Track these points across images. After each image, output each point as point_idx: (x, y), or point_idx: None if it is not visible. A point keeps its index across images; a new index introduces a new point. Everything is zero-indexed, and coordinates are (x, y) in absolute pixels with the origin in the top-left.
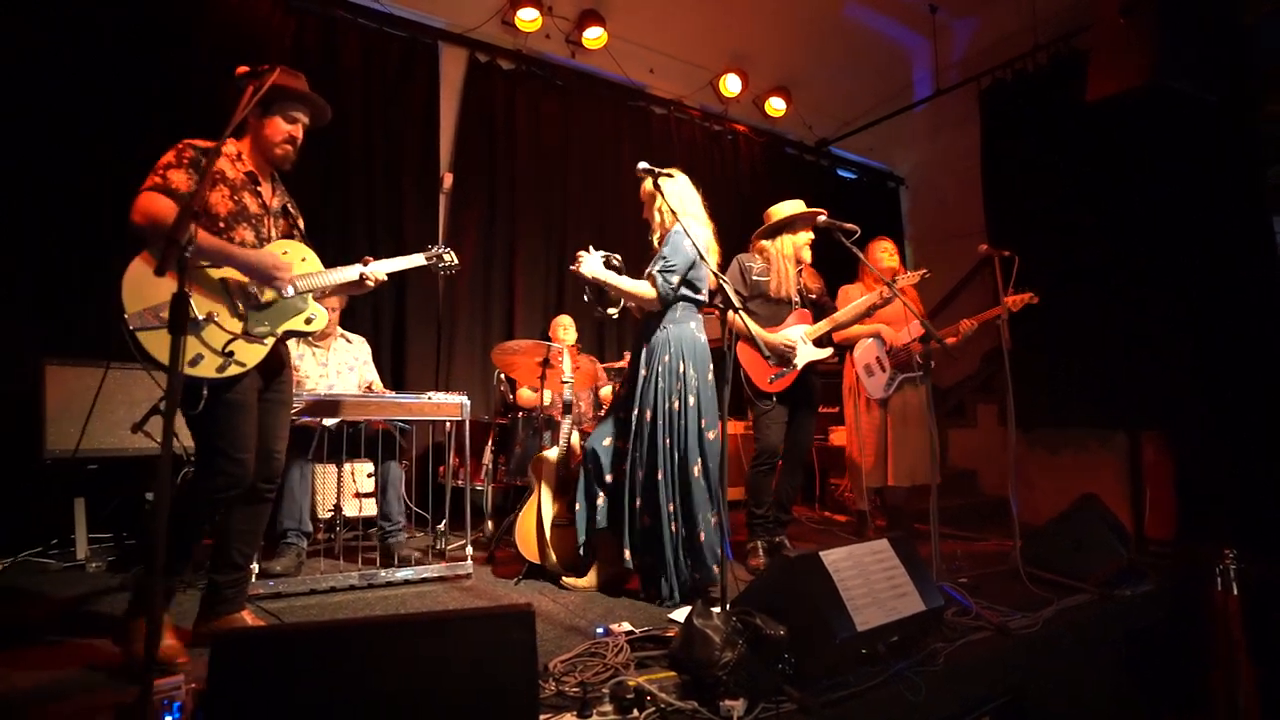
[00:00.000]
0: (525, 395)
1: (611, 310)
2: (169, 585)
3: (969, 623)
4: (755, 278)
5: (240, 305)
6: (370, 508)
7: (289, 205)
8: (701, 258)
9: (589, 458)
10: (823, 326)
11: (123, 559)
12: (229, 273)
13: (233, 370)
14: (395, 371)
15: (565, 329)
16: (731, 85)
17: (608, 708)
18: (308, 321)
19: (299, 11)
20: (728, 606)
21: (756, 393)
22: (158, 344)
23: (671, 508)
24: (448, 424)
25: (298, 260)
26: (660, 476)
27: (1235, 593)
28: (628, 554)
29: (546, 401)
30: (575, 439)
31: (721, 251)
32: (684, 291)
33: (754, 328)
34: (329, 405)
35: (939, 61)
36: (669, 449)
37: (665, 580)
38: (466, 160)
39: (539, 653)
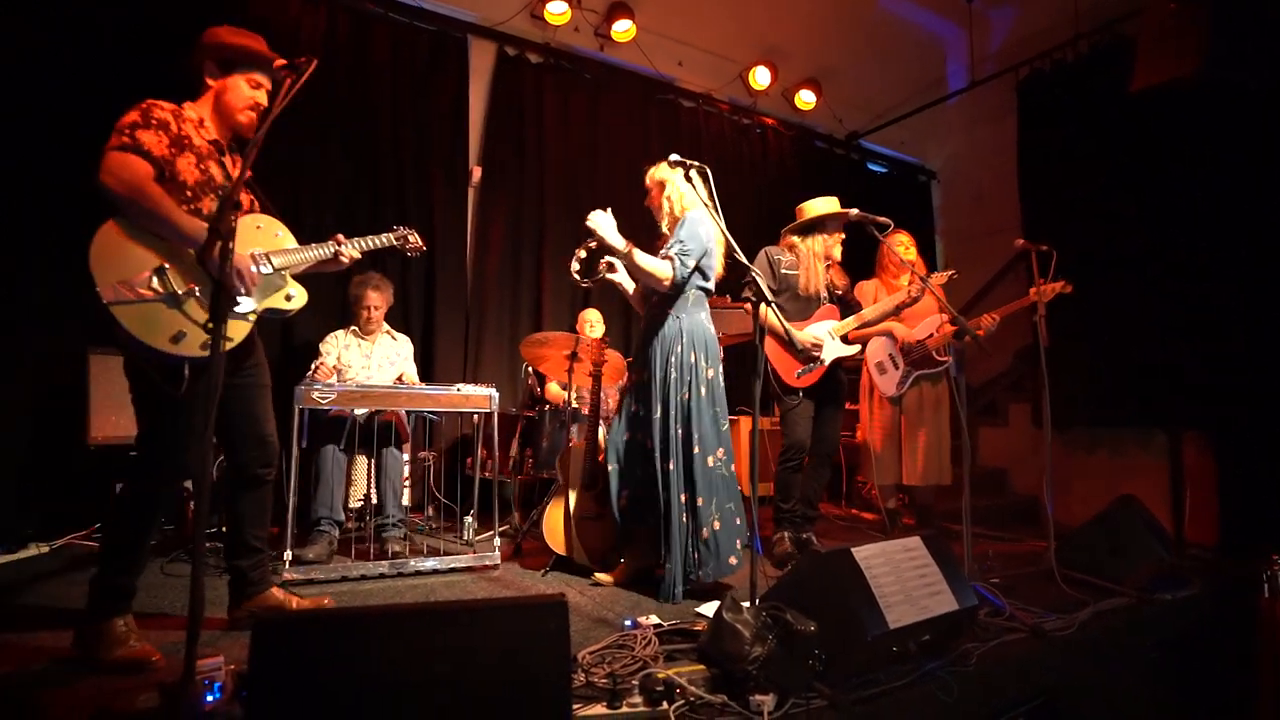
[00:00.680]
0: (554, 390)
1: (587, 282)
2: (130, 584)
3: (1002, 623)
4: (784, 271)
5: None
6: (406, 498)
7: (250, 178)
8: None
9: (611, 455)
10: (850, 323)
11: (162, 543)
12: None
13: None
14: (424, 363)
15: (592, 325)
16: (761, 78)
17: (637, 699)
18: (288, 299)
19: (329, 6)
20: (757, 601)
21: (783, 388)
22: (135, 320)
23: (684, 498)
24: (476, 416)
25: (271, 236)
26: (671, 467)
27: None
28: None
29: (574, 395)
30: (602, 434)
31: (748, 247)
32: (696, 279)
33: (782, 323)
34: (360, 395)
35: (975, 53)
36: (681, 440)
37: (669, 574)
38: (495, 154)
39: None
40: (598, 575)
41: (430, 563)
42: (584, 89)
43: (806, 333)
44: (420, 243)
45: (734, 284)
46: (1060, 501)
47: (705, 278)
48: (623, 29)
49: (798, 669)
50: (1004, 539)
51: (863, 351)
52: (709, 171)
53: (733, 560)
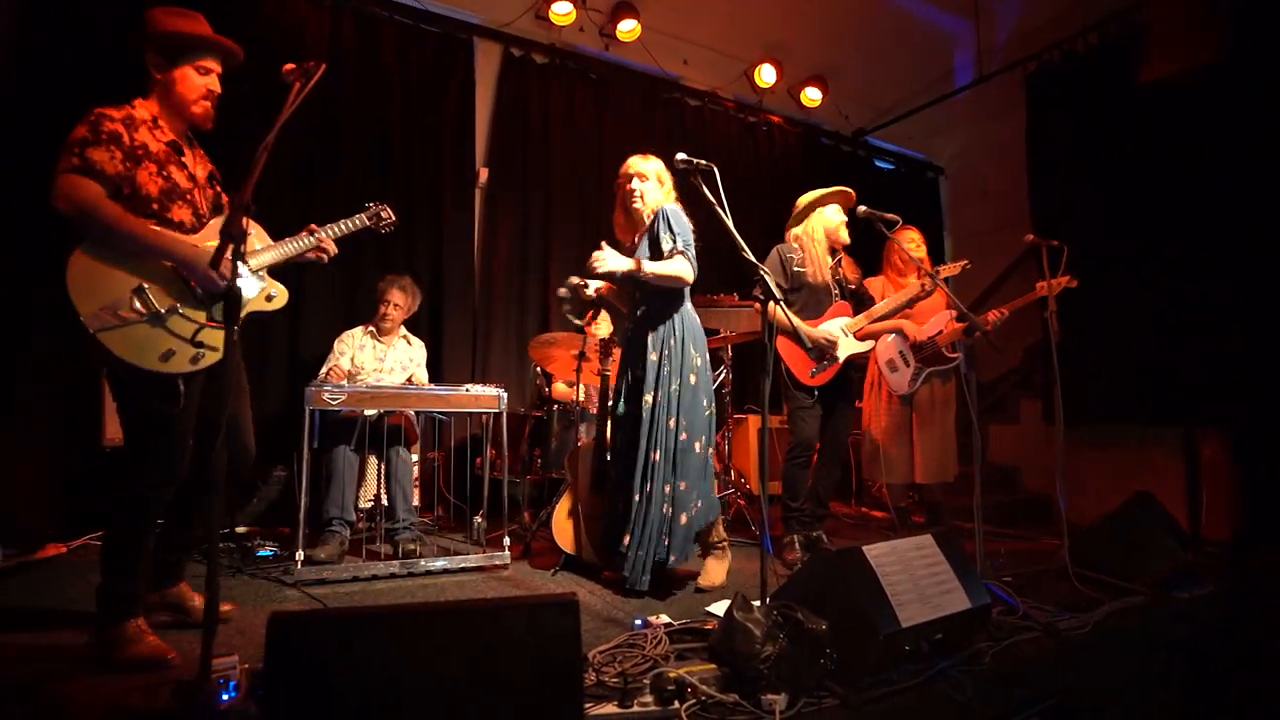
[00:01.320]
0: (560, 389)
1: (579, 321)
2: (134, 589)
3: (1016, 622)
4: (795, 269)
5: (199, 292)
6: (415, 499)
7: (214, 172)
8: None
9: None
10: (862, 320)
11: None
12: None
13: (207, 360)
14: (432, 364)
15: (598, 323)
16: (766, 75)
17: (648, 698)
18: (268, 299)
19: (335, 9)
20: (768, 600)
21: (796, 385)
22: (127, 344)
23: (668, 489)
24: (484, 416)
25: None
26: (656, 458)
27: None
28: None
29: (582, 395)
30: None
31: (755, 245)
32: None
33: (795, 320)
34: (370, 396)
35: (982, 46)
36: (673, 429)
37: (636, 562)
38: (502, 154)
39: None
40: (607, 574)
41: (440, 563)
42: (589, 89)
43: (821, 330)
44: (393, 217)
45: (742, 282)
46: (1072, 499)
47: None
48: (628, 28)
49: (809, 668)
50: (1015, 537)
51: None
52: (715, 171)
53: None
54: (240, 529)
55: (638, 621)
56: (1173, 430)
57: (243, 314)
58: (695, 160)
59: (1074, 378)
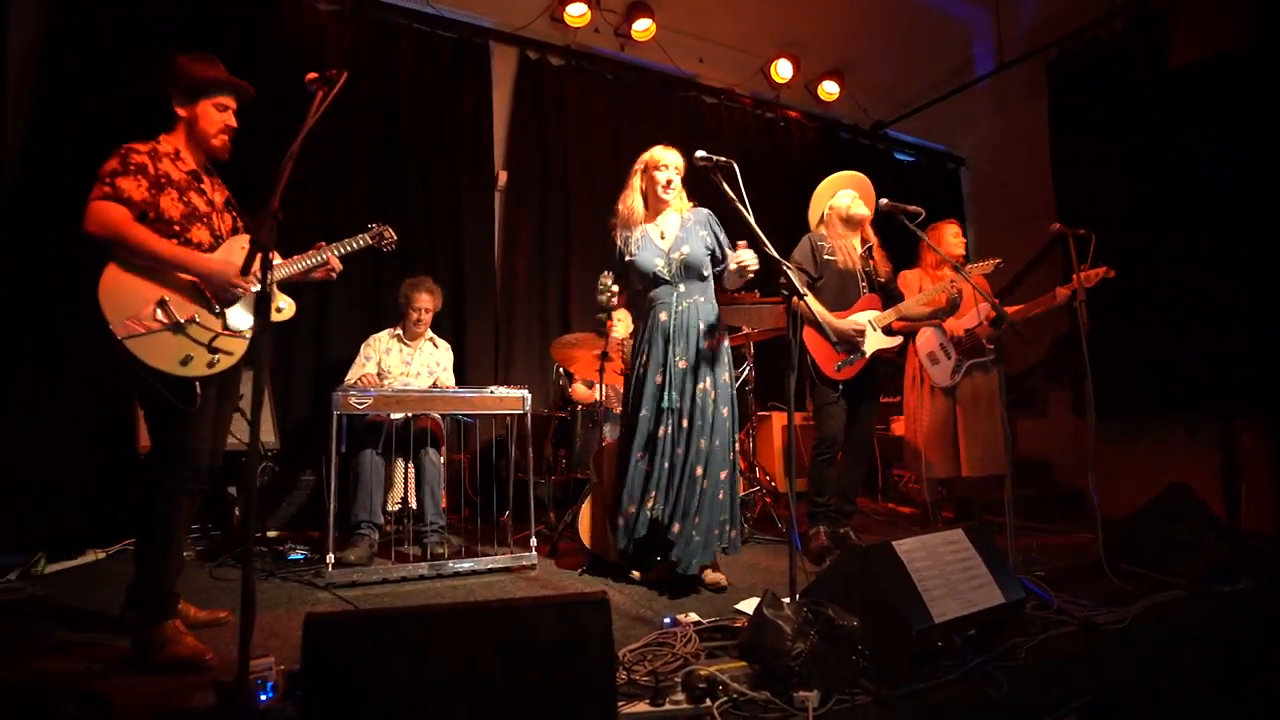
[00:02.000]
0: (579, 390)
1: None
2: (166, 589)
3: (1051, 617)
4: (826, 256)
5: (215, 303)
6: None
7: (230, 198)
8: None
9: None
10: (890, 315)
11: (210, 549)
12: None
13: (222, 365)
14: (456, 366)
15: (615, 323)
16: (783, 71)
17: (680, 696)
18: (278, 311)
19: (354, 18)
20: (797, 597)
21: (823, 379)
22: (150, 350)
23: (724, 475)
24: (509, 418)
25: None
26: (717, 444)
27: None
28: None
29: (601, 395)
30: None
31: (776, 241)
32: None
33: (823, 314)
34: (396, 399)
35: (1002, 35)
36: (727, 417)
37: (693, 547)
38: (520, 157)
39: None
40: (634, 574)
41: (468, 564)
42: (606, 89)
43: (848, 321)
44: (394, 237)
45: (763, 280)
46: (1107, 491)
47: None
48: (643, 28)
49: (841, 665)
50: (1048, 531)
51: (904, 344)
52: (735, 167)
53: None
54: (271, 533)
55: (667, 620)
56: (1208, 421)
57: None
58: (715, 157)
59: (1105, 369)
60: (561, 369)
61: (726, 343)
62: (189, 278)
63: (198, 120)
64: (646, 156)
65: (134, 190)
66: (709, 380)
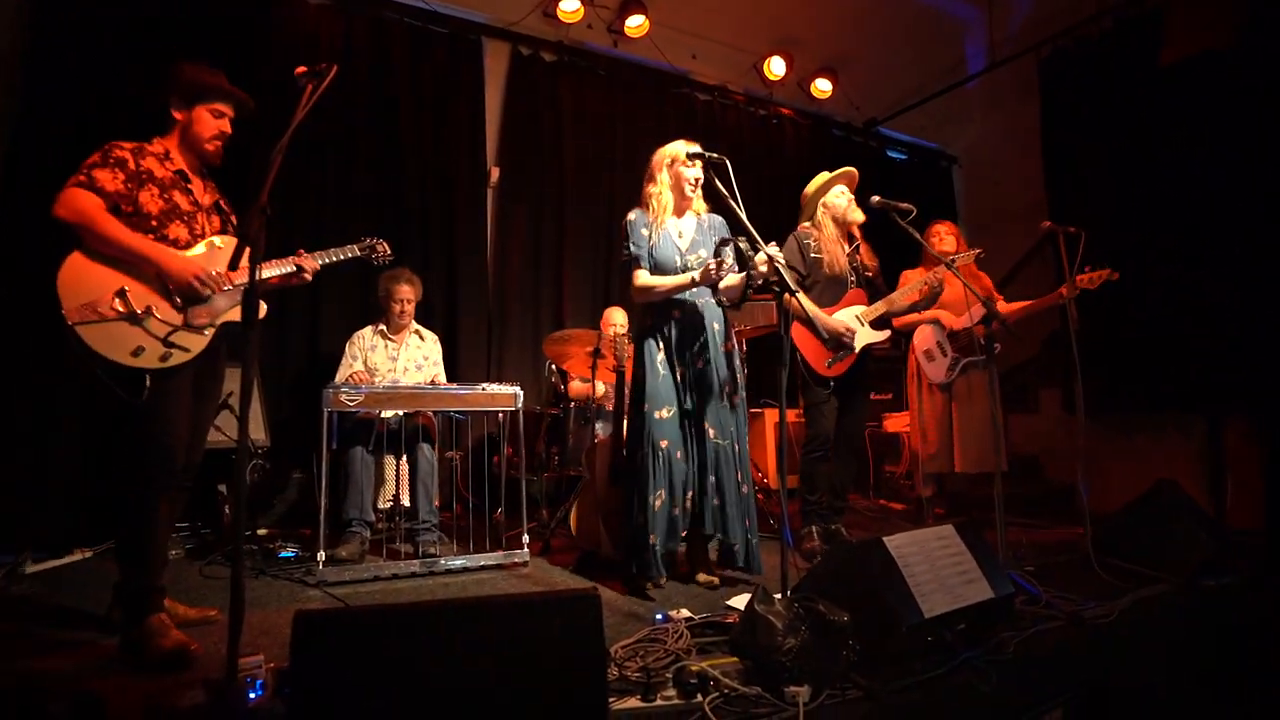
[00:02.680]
0: (576, 386)
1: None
2: (151, 585)
3: (1040, 611)
4: (814, 255)
5: (178, 298)
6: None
7: (221, 202)
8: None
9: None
10: (878, 309)
11: (200, 547)
12: None
13: (176, 359)
14: (448, 363)
15: (616, 325)
16: (776, 68)
17: (671, 692)
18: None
19: (346, 12)
20: (789, 592)
21: (814, 377)
22: (102, 338)
23: (739, 475)
24: (501, 415)
25: (226, 255)
26: (738, 449)
27: None
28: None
29: (599, 392)
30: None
31: (768, 238)
32: None
33: (814, 311)
34: (387, 397)
35: (994, 33)
36: (738, 410)
37: (739, 550)
38: (512, 154)
39: None
40: (661, 583)
41: (460, 561)
42: (599, 86)
43: (837, 319)
44: (388, 250)
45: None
46: (1096, 488)
47: None
48: (636, 24)
49: (832, 660)
50: (1037, 527)
51: (893, 340)
52: (728, 163)
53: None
54: (261, 531)
55: (659, 616)
56: (1197, 419)
57: (219, 323)
58: (709, 154)
59: (1095, 366)
60: (554, 365)
61: (735, 345)
62: (152, 270)
63: (192, 124)
64: (673, 152)
65: (108, 182)
66: (730, 383)
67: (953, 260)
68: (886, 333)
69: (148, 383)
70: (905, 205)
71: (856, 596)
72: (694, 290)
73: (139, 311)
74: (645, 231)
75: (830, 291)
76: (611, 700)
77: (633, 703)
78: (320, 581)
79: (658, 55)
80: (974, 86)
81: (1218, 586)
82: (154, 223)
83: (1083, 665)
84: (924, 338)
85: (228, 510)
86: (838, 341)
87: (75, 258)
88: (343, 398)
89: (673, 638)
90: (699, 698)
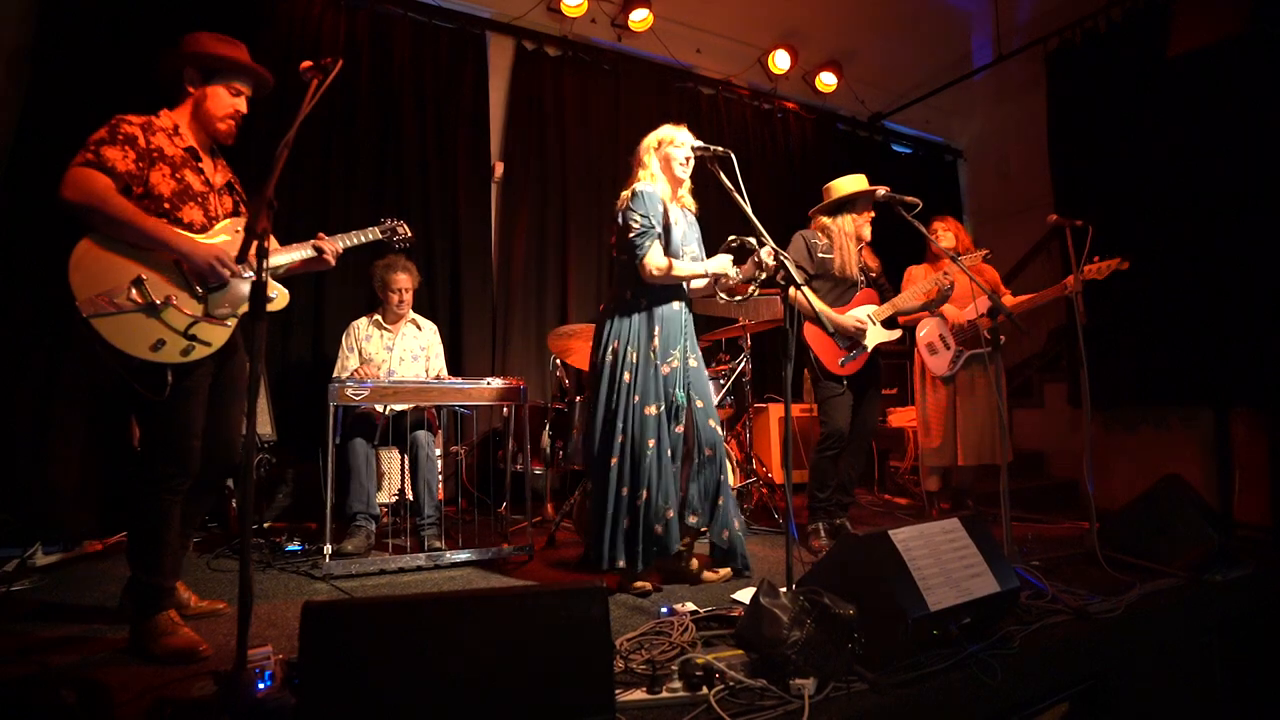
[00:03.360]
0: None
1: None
2: (160, 583)
3: (1045, 606)
4: (821, 255)
5: (199, 287)
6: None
7: (233, 181)
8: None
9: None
10: (887, 309)
11: (207, 540)
12: None
13: (198, 353)
14: (452, 357)
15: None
16: (780, 62)
17: (677, 684)
18: (268, 300)
19: (350, 7)
20: (794, 586)
21: (826, 375)
22: (115, 330)
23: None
24: (505, 409)
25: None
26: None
27: None
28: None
29: None
30: None
31: (772, 232)
32: None
33: (821, 307)
34: (389, 391)
35: (1001, 25)
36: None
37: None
38: (517, 148)
39: None
40: (646, 586)
41: (465, 554)
42: (603, 80)
43: (849, 316)
44: (409, 233)
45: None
46: (1101, 482)
47: None
48: (640, 18)
49: (837, 652)
50: (1043, 522)
51: (904, 335)
52: (732, 157)
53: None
54: (267, 525)
55: (664, 609)
56: (1203, 412)
57: (241, 312)
58: (712, 147)
59: (1100, 360)
60: (558, 360)
61: None
62: (171, 257)
63: (206, 100)
64: (660, 135)
65: (119, 161)
66: (704, 375)
67: (959, 255)
68: (898, 332)
69: (169, 379)
70: (911, 199)
71: (862, 590)
72: (682, 289)
73: (158, 302)
74: (661, 208)
75: (839, 291)
76: (618, 692)
77: (639, 695)
78: (327, 575)
79: (662, 49)
80: (980, 80)
81: (1224, 581)
82: (167, 205)
83: (1088, 659)
84: (927, 331)
85: (235, 504)
86: (849, 339)
87: (86, 245)
88: (348, 392)
89: (678, 630)
90: (704, 690)
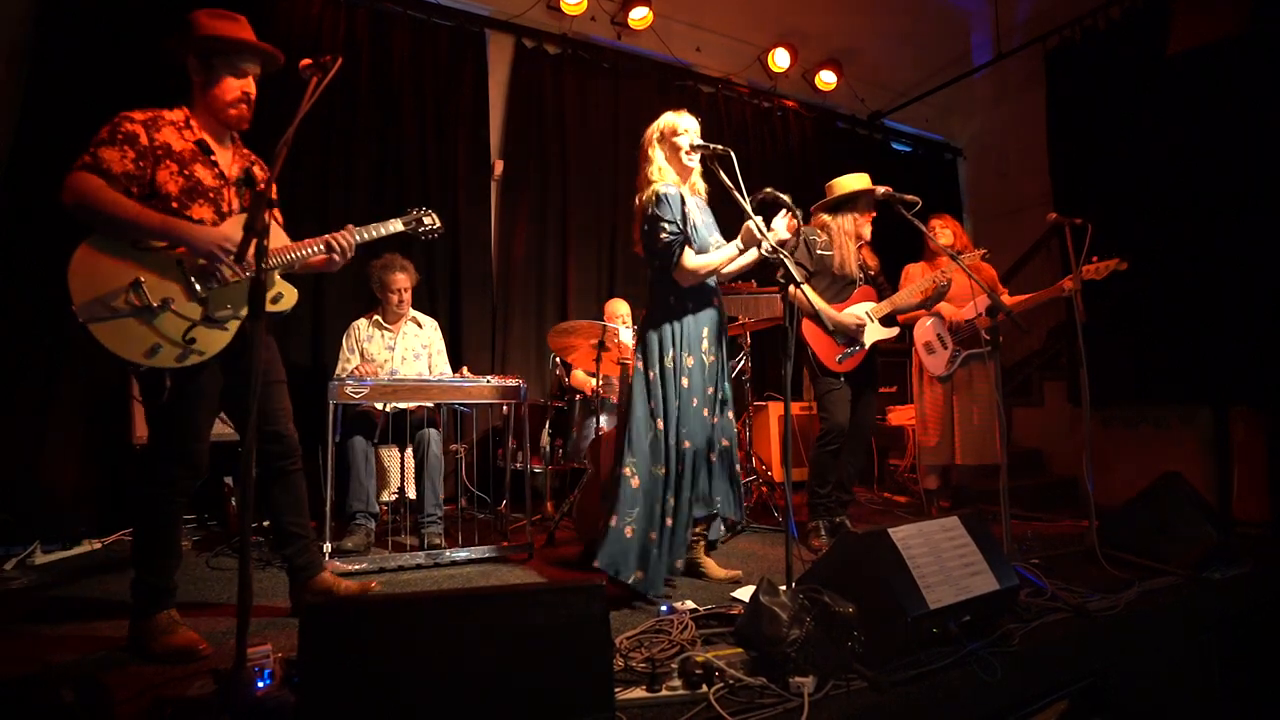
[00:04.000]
0: (579, 377)
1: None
2: (162, 583)
3: (1045, 604)
4: (820, 252)
5: (198, 286)
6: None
7: (252, 166)
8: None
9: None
10: (885, 307)
11: (206, 539)
12: (184, 251)
13: (193, 360)
14: (452, 355)
15: (623, 318)
16: (780, 60)
17: (676, 682)
18: (273, 301)
19: (349, 5)
20: (794, 584)
21: (824, 371)
22: (111, 336)
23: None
24: (505, 407)
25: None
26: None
27: None
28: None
29: (602, 383)
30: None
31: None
32: None
33: (819, 303)
34: (389, 389)
35: (1000, 24)
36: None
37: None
38: (516, 147)
39: None
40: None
41: (465, 553)
42: (602, 78)
43: (847, 313)
44: (437, 222)
45: (761, 268)
46: (1100, 480)
47: None
48: (639, 16)
49: (837, 651)
50: (1042, 520)
51: (903, 333)
52: (733, 155)
53: None
54: (267, 523)
55: (663, 607)
56: (1202, 410)
57: (243, 313)
58: (712, 145)
59: (1100, 358)
60: (558, 358)
61: None
62: (172, 256)
63: (211, 86)
64: (662, 125)
65: (115, 162)
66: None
67: (958, 253)
68: (896, 329)
69: (167, 383)
70: (911, 197)
71: (861, 588)
72: (711, 284)
73: (155, 305)
74: (681, 207)
75: (838, 289)
76: (617, 690)
77: (638, 693)
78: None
79: (661, 48)
80: (979, 78)
81: (1223, 579)
82: (174, 204)
83: (1088, 657)
84: (924, 330)
85: (234, 502)
86: (848, 336)
87: (84, 249)
88: (348, 390)
89: (678, 629)
90: (704, 688)
